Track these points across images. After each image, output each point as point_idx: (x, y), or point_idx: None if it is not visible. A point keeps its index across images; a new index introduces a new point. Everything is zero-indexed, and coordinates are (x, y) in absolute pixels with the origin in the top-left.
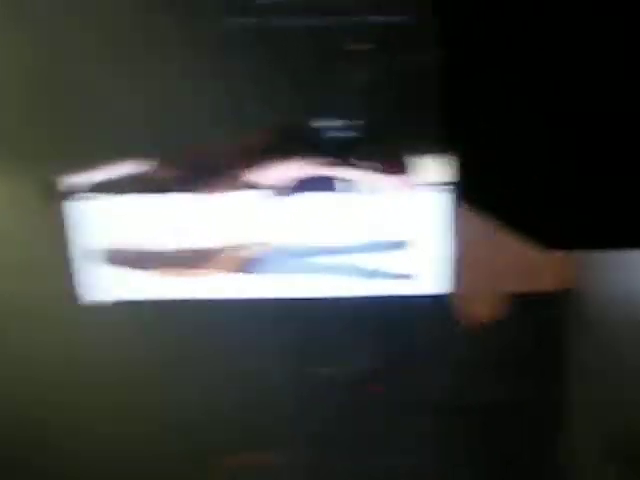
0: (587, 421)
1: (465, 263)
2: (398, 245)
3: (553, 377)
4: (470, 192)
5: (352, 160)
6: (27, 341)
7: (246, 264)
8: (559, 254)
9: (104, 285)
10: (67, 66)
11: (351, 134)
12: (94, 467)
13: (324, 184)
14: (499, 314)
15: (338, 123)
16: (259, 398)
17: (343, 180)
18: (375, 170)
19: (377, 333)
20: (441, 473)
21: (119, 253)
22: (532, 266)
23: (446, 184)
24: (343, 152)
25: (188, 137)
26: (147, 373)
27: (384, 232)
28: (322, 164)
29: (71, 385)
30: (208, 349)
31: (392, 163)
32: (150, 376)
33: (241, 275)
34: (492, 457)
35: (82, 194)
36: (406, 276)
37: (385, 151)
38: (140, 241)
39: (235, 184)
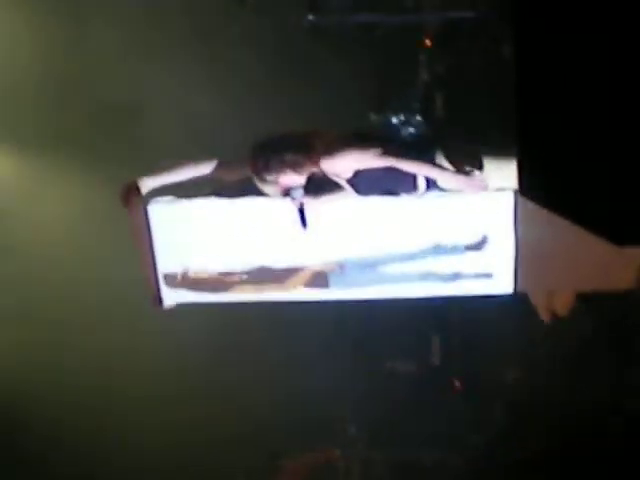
0: None
1: (538, 261)
2: (472, 247)
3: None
4: (540, 191)
5: (428, 157)
6: (104, 342)
7: (323, 279)
8: (630, 251)
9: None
10: (144, 67)
11: (422, 131)
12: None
13: (397, 180)
14: (574, 310)
15: (409, 119)
16: (336, 397)
17: (421, 176)
18: (451, 169)
19: (455, 331)
20: (514, 471)
21: (195, 278)
22: (605, 263)
23: (518, 184)
24: (416, 149)
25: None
26: (217, 376)
27: (457, 234)
28: (400, 158)
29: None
30: (281, 349)
31: (467, 163)
32: (218, 379)
33: (317, 290)
34: (568, 456)
35: (161, 197)
36: (483, 275)
37: (460, 151)
38: (217, 262)
39: (306, 171)
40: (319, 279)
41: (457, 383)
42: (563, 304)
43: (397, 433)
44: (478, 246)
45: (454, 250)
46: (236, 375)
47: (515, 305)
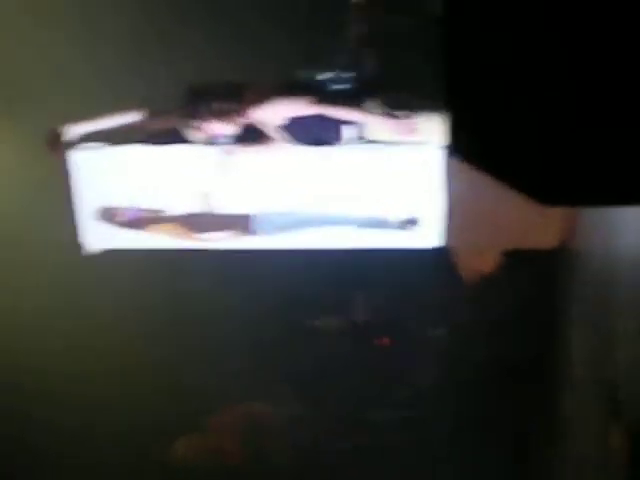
0: (585, 378)
1: (463, 217)
2: (399, 225)
3: (550, 333)
4: (466, 147)
5: (358, 104)
6: (27, 289)
7: (246, 225)
8: (555, 211)
9: (102, 235)
10: (72, 12)
11: (353, 85)
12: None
13: (325, 126)
14: (497, 268)
15: (339, 74)
16: (259, 352)
17: (346, 124)
18: (380, 115)
19: (378, 286)
20: (440, 427)
21: (114, 210)
22: (530, 223)
23: (444, 140)
24: (347, 99)
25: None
26: (142, 323)
27: (382, 191)
28: (324, 106)
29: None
30: (206, 300)
31: (394, 112)
32: (145, 325)
33: (243, 238)
34: (489, 413)
35: (85, 143)
36: (410, 221)
37: (387, 101)
38: (138, 199)
39: (237, 120)
40: (242, 224)
41: (381, 339)
42: (488, 263)
43: (324, 389)
44: (404, 225)
45: (383, 224)
46: (157, 327)
47: (440, 261)
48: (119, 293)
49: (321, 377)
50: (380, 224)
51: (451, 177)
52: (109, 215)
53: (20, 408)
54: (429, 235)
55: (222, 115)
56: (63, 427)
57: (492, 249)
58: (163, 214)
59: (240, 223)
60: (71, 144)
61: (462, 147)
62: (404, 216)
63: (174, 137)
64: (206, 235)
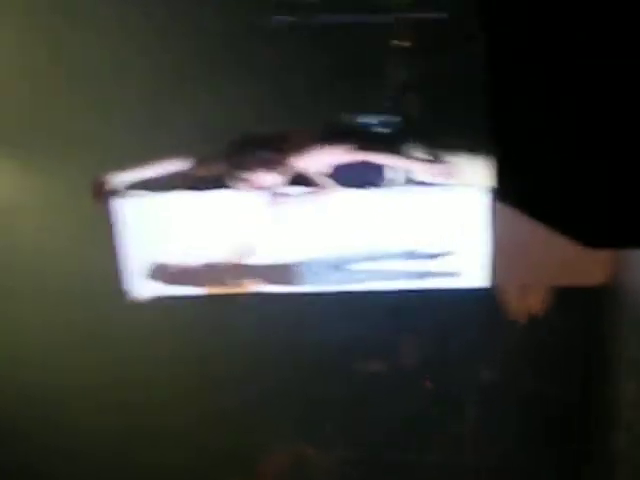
0: (635, 418)
1: (509, 257)
2: (440, 255)
3: (599, 373)
4: (508, 191)
5: (395, 150)
6: (73, 334)
7: (290, 277)
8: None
9: (148, 283)
10: (117, 62)
11: (395, 129)
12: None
13: (367, 172)
14: (544, 308)
15: (381, 119)
16: (308, 394)
17: (386, 167)
18: (417, 160)
19: (425, 329)
20: (489, 470)
21: (163, 267)
22: (576, 260)
23: (487, 184)
24: (386, 143)
25: (235, 133)
26: (195, 369)
27: (428, 234)
28: (366, 152)
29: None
30: (255, 345)
31: (434, 157)
32: (195, 373)
33: (287, 287)
34: (540, 456)
35: (131, 191)
36: (452, 274)
37: (427, 146)
38: (185, 254)
39: (280, 170)
40: (287, 275)
41: (428, 383)
42: (537, 302)
43: (370, 433)
44: (443, 254)
45: (425, 256)
46: (206, 374)
47: (487, 303)
48: (167, 339)
49: (368, 420)
50: (424, 261)
51: (496, 217)
52: (157, 271)
53: (71, 447)
54: (475, 276)
55: (267, 165)
56: (112, 467)
57: (538, 287)
58: (211, 268)
59: (283, 274)
60: (116, 192)
61: (507, 192)
62: (448, 256)
63: (219, 185)
64: (252, 286)
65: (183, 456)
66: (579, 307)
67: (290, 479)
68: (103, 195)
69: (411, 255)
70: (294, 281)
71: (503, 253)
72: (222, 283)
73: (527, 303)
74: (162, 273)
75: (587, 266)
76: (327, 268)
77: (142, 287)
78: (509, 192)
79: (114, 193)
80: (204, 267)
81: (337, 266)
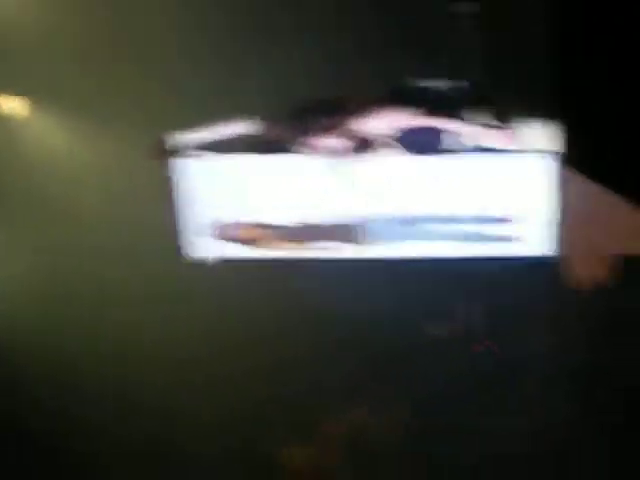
0: None
1: (575, 224)
2: (505, 220)
3: None
4: (578, 157)
5: (460, 115)
6: (132, 294)
7: (355, 235)
8: None
9: (209, 245)
10: (182, 24)
11: (460, 95)
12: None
13: (432, 136)
14: (608, 278)
15: (447, 83)
16: (370, 358)
17: (450, 133)
18: (482, 126)
19: (488, 295)
20: (549, 435)
21: (225, 226)
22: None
23: (554, 150)
24: (451, 108)
25: (299, 97)
26: (253, 332)
27: (492, 200)
28: (431, 116)
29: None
30: (314, 308)
31: (499, 122)
32: (251, 334)
33: (352, 246)
34: (597, 420)
35: (192, 152)
36: (515, 239)
37: (493, 112)
38: (248, 212)
39: (344, 134)
40: (351, 233)
41: (491, 348)
42: (603, 271)
43: (429, 397)
44: (507, 220)
45: (485, 220)
46: (264, 333)
47: (552, 271)
48: (226, 301)
49: (428, 384)
50: (491, 225)
51: (563, 184)
52: (219, 230)
53: (122, 414)
54: (541, 243)
55: (330, 129)
56: (162, 437)
57: (604, 255)
58: (273, 228)
59: (348, 232)
60: (178, 152)
61: (575, 157)
62: (514, 222)
63: (283, 149)
64: (316, 245)
65: (243, 415)
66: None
67: (351, 442)
68: (165, 155)
69: (477, 219)
70: (359, 239)
71: (569, 221)
72: (287, 242)
73: (593, 272)
74: (223, 231)
75: None
76: (393, 225)
77: (203, 247)
78: (577, 157)
79: (176, 153)
80: (268, 226)
81: (403, 224)
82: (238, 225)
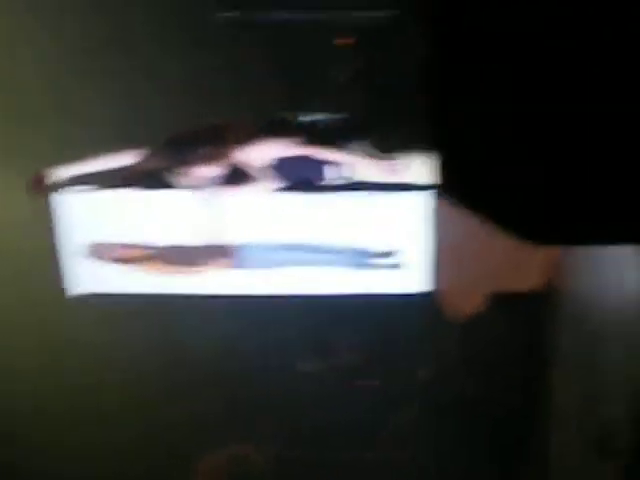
0: (572, 417)
1: (450, 260)
2: (383, 253)
3: (537, 373)
4: (453, 188)
5: (339, 146)
6: (10, 330)
7: (233, 260)
8: (542, 252)
9: (90, 278)
10: (55, 59)
11: (339, 126)
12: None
13: (311, 167)
14: (483, 309)
15: (324, 116)
16: (247, 395)
17: (329, 163)
18: (363, 156)
19: (364, 328)
20: (430, 466)
21: (104, 247)
22: (518, 264)
23: (430, 182)
24: (330, 139)
25: (176, 127)
26: (127, 369)
27: (369, 233)
28: (310, 147)
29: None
30: (190, 345)
31: (379, 154)
32: (130, 373)
33: (228, 272)
34: (478, 451)
35: (71, 187)
36: (393, 271)
37: (373, 142)
38: (125, 236)
39: (222, 163)
40: (227, 255)
41: (367, 382)
42: (472, 303)
43: (307, 432)
44: (389, 255)
45: (366, 256)
46: (138, 371)
47: (426, 302)
48: (103, 336)
49: (306, 419)
50: (366, 259)
51: (438, 220)
52: (98, 251)
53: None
54: (415, 278)
55: (207, 159)
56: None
57: (478, 291)
58: (150, 249)
59: (225, 254)
60: (57, 187)
61: (450, 187)
62: (389, 253)
63: (159, 180)
64: (192, 268)
65: (116, 450)
66: (519, 309)
67: (228, 478)
68: (43, 190)
69: (355, 251)
70: (235, 263)
71: (444, 256)
72: (166, 265)
73: (467, 304)
74: (102, 252)
75: (527, 271)
76: (269, 252)
77: (82, 283)
78: (452, 187)
79: (54, 188)
80: (147, 247)
81: (279, 250)
82: (117, 245)
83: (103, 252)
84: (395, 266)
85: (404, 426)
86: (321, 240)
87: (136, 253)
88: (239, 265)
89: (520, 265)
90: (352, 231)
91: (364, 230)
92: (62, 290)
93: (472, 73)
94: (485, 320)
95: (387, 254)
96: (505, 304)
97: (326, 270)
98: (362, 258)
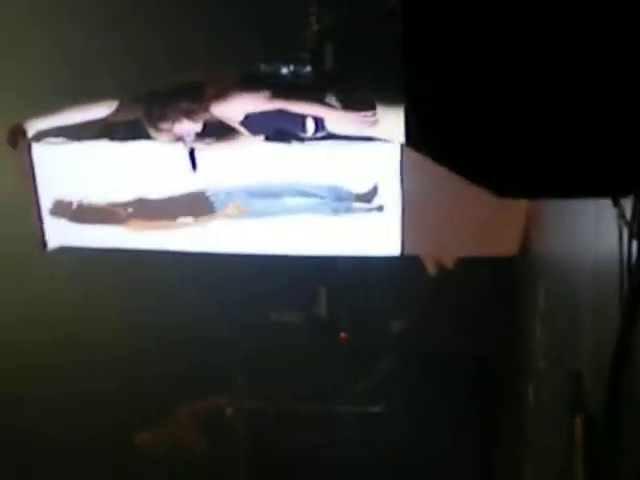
0: (547, 373)
1: (421, 223)
2: (362, 197)
3: (509, 330)
4: (424, 140)
5: (317, 98)
6: None
7: (209, 205)
8: (512, 215)
9: (65, 232)
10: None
11: (312, 79)
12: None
13: (289, 121)
14: (457, 262)
15: (299, 69)
16: (221, 345)
17: (305, 117)
18: (338, 109)
19: (342, 282)
20: (403, 420)
21: (83, 208)
22: (489, 228)
23: (405, 134)
24: (306, 93)
25: (153, 80)
26: (104, 322)
27: (348, 182)
28: (285, 100)
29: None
30: (168, 293)
31: (357, 102)
32: (104, 325)
33: (206, 223)
34: (451, 405)
35: (47, 138)
36: (378, 208)
37: (347, 95)
38: (105, 193)
39: (201, 117)
40: (206, 206)
41: (343, 334)
42: (443, 262)
43: (285, 384)
44: (368, 196)
45: (345, 196)
46: (119, 324)
47: (400, 259)
48: (76, 287)
49: (282, 371)
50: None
51: (408, 177)
52: (62, 208)
53: None
54: (390, 236)
55: (186, 114)
56: (32, 419)
57: (449, 256)
58: (129, 205)
59: (205, 205)
60: (33, 139)
61: (420, 140)
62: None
63: (138, 131)
64: (176, 222)
65: (100, 405)
66: (490, 262)
67: (205, 428)
68: (19, 142)
69: (335, 195)
70: (216, 212)
71: (415, 218)
72: (147, 220)
73: (438, 262)
74: (65, 209)
75: (497, 235)
76: (247, 196)
77: (55, 234)
78: (422, 139)
79: (30, 140)
80: (112, 205)
81: (256, 197)
82: (94, 205)
83: (65, 209)
84: (379, 209)
85: (378, 380)
86: (301, 185)
87: (114, 209)
88: (222, 214)
89: (491, 229)
90: (331, 178)
91: (342, 177)
92: (39, 243)
93: (443, 25)
94: (458, 276)
95: (367, 196)
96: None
97: (305, 221)
98: (343, 202)
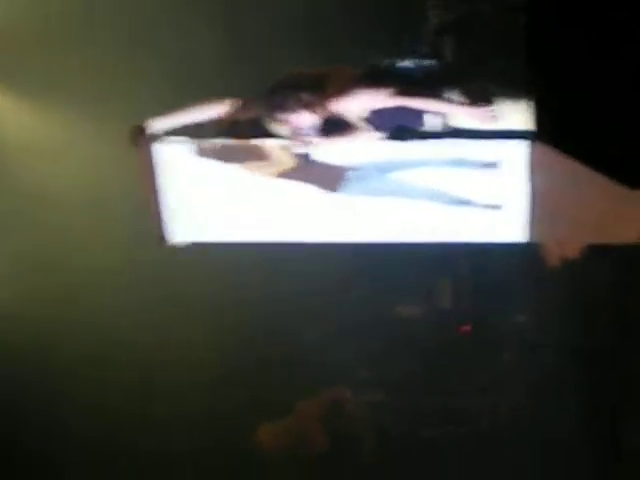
0: None
1: (547, 210)
2: (488, 165)
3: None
4: (555, 134)
5: (438, 94)
6: (109, 278)
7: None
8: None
9: (187, 226)
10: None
11: (434, 74)
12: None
13: (411, 118)
14: (580, 256)
15: (421, 64)
16: (344, 338)
17: (430, 112)
18: (460, 104)
19: (464, 274)
20: (530, 412)
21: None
22: (615, 217)
23: (528, 127)
24: (428, 89)
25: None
26: (228, 312)
27: (471, 178)
28: (408, 97)
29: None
30: (289, 290)
31: (476, 100)
32: (229, 316)
33: (330, 194)
34: (576, 396)
35: (170, 137)
36: (494, 206)
37: (468, 89)
38: (228, 199)
39: (321, 111)
40: (333, 180)
41: (466, 327)
42: (573, 248)
43: (407, 377)
44: (494, 165)
45: (471, 164)
46: (244, 318)
47: (524, 249)
48: (202, 284)
49: (404, 364)
50: (466, 203)
51: (535, 169)
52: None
53: (104, 400)
54: (514, 225)
55: (307, 106)
56: (145, 415)
57: (574, 242)
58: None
59: (331, 175)
60: (156, 138)
61: (548, 133)
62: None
63: (257, 129)
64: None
65: (224, 395)
66: (617, 257)
67: (328, 421)
68: (142, 141)
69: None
70: (340, 186)
71: (541, 206)
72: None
73: (565, 251)
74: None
75: (623, 222)
76: (375, 172)
77: (180, 232)
78: (551, 133)
79: (153, 139)
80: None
81: (382, 172)
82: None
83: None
84: (496, 207)
85: (503, 372)
86: (420, 184)
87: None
88: (340, 189)
89: (617, 218)
90: (452, 177)
91: (463, 176)
92: (162, 240)
93: (570, 19)
94: (583, 268)
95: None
96: (602, 252)
97: (427, 215)
98: (462, 200)
